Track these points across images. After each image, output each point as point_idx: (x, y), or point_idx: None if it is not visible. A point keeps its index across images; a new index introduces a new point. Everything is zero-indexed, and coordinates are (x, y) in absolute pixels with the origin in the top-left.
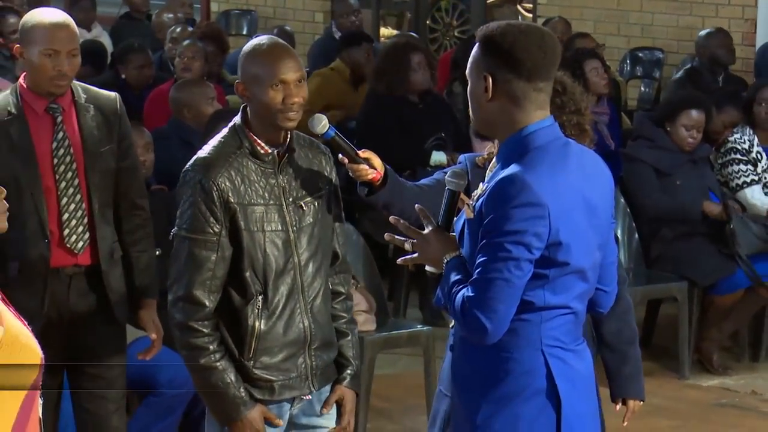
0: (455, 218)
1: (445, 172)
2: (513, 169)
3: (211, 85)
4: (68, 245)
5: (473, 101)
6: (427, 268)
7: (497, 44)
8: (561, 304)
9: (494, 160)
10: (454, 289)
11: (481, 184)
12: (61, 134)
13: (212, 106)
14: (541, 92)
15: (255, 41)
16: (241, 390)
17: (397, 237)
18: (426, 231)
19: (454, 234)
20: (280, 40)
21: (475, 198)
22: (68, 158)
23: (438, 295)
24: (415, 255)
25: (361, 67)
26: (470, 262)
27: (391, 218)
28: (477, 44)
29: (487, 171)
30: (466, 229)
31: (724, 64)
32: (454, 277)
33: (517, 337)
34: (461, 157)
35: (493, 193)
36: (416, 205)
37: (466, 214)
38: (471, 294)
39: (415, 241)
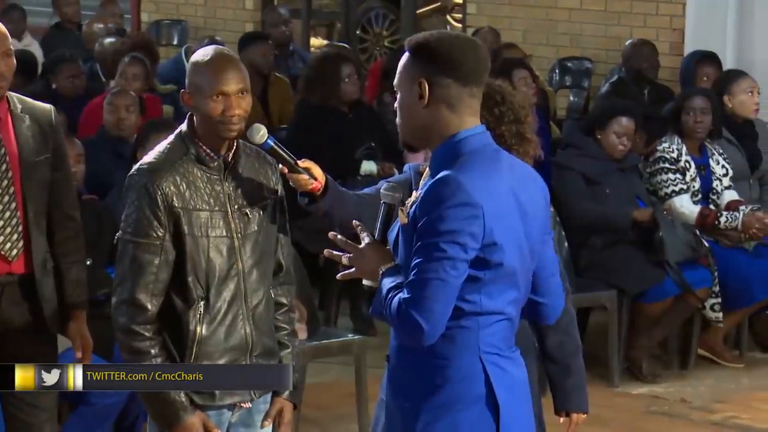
0: (390, 231)
1: (390, 182)
2: (446, 172)
3: (132, 93)
4: (2, 252)
5: (405, 111)
6: (365, 281)
7: (433, 50)
8: (496, 310)
9: (427, 168)
10: (389, 295)
11: (414, 191)
12: None
13: (128, 113)
14: (474, 98)
15: (201, 51)
16: (182, 395)
17: (334, 252)
18: (362, 245)
19: (390, 247)
20: (226, 51)
21: (408, 204)
22: (4, 166)
23: (374, 305)
24: (353, 269)
25: (259, 67)
26: (405, 269)
27: (330, 234)
28: (407, 54)
29: (421, 180)
30: (400, 237)
31: (647, 78)
32: (389, 284)
33: (455, 344)
34: (406, 167)
35: (426, 196)
36: (354, 221)
37: (401, 219)
38: (407, 295)
39: (351, 255)
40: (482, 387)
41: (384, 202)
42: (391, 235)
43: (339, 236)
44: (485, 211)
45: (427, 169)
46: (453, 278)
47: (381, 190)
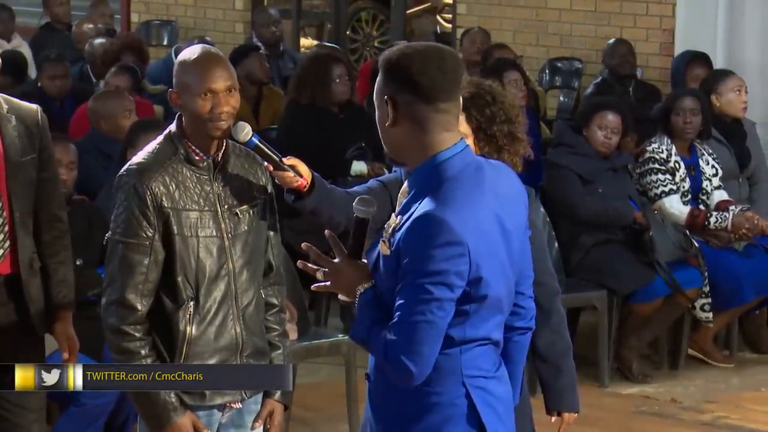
0: (369, 249)
1: (381, 181)
2: (429, 205)
3: (130, 97)
4: None
5: (380, 127)
6: (341, 297)
7: (395, 67)
8: (481, 337)
9: (405, 185)
10: (374, 330)
11: (393, 215)
12: None
13: (129, 119)
14: (446, 113)
15: (187, 50)
16: (172, 395)
17: (309, 265)
18: (337, 260)
19: (365, 261)
20: (213, 49)
21: (389, 230)
22: None
23: (354, 330)
24: (328, 283)
25: (258, 78)
26: (388, 299)
27: (303, 245)
28: (380, 70)
29: (399, 195)
30: (381, 264)
31: (628, 75)
32: (370, 314)
33: (438, 371)
34: (395, 168)
35: (411, 233)
36: (326, 231)
37: (382, 250)
38: (394, 337)
39: (326, 270)
40: (466, 410)
41: (356, 216)
42: (370, 256)
43: (313, 249)
44: (471, 247)
45: (405, 185)
46: (440, 319)
47: (354, 204)
